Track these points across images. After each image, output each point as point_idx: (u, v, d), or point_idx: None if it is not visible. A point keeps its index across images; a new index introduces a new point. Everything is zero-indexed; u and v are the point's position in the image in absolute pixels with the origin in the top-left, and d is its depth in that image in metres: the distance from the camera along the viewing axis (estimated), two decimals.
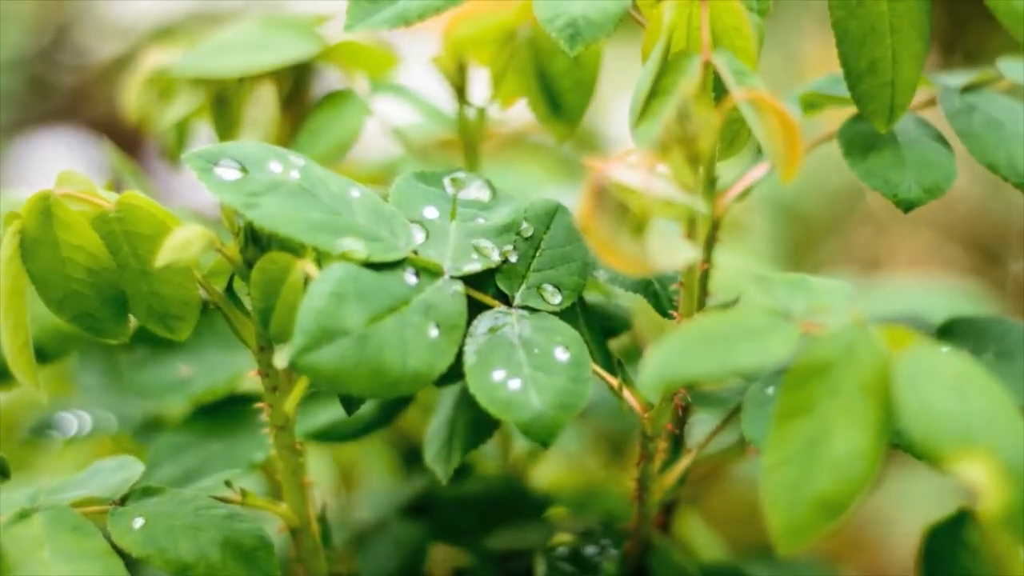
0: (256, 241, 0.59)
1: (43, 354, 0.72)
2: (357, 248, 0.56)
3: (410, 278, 0.57)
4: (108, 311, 0.60)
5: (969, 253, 1.45)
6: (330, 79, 0.87)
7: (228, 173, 0.57)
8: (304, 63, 0.85)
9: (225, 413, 0.73)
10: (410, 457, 0.85)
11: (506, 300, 0.61)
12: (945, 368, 0.51)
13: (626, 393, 0.62)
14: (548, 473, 0.88)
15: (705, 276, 0.65)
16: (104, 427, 0.86)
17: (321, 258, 0.56)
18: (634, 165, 0.50)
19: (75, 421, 0.87)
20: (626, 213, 0.50)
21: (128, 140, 1.31)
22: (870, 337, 0.51)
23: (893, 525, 1.23)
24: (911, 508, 1.19)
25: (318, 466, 0.87)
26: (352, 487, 0.89)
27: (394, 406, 0.70)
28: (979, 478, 0.48)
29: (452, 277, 0.59)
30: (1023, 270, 1.37)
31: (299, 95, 0.88)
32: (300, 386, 0.59)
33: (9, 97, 1.62)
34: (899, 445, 0.61)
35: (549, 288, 0.62)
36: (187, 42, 0.87)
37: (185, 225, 0.58)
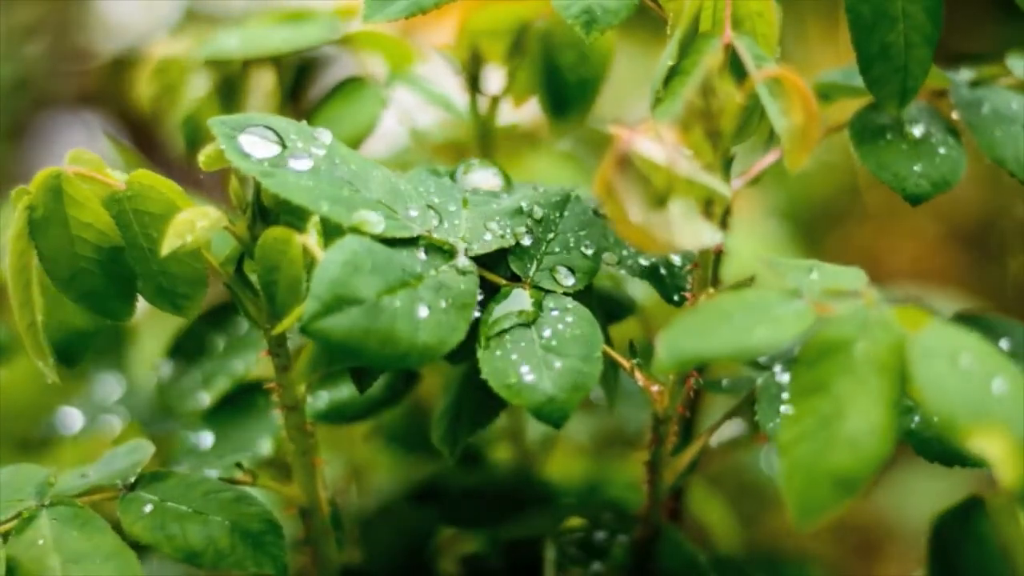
0: (264, 216, 0.58)
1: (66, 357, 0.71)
2: (373, 220, 0.56)
3: (424, 256, 0.57)
4: (116, 290, 0.60)
5: (968, 252, 1.45)
6: (334, 76, 0.87)
7: (250, 141, 0.57)
8: (308, 59, 0.85)
9: (241, 403, 0.73)
10: (419, 448, 0.84)
11: (519, 282, 0.61)
12: (959, 346, 0.51)
13: (637, 375, 0.62)
14: (559, 464, 0.87)
15: (717, 259, 0.65)
16: (108, 424, 0.85)
17: (331, 232, 0.56)
18: (659, 138, 0.50)
19: (80, 417, 0.87)
20: (647, 186, 0.50)
21: (131, 140, 1.31)
22: (884, 315, 0.51)
23: (896, 528, 1.23)
24: (915, 510, 1.19)
25: (329, 463, 0.86)
26: (362, 484, 0.88)
27: (401, 385, 0.70)
28: (994, 454, 0.48)
29: (466, 257, 0.59)
30: (1022, 267, 1.37)
31: (302, 91, 0.88)
32: (306, 353, 0.58)
33: (10, 98, 1.62)
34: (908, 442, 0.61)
35: (562, 270, 0.62)
36: (195, 36, 0.87)
37: (194, 205, 0.58)
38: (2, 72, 1.59)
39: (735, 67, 0.56)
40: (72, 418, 0.87)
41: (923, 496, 1.19)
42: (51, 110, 1.66)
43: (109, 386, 0.87)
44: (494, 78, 0.82)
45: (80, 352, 0.65)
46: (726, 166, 0.58)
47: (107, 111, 1.60)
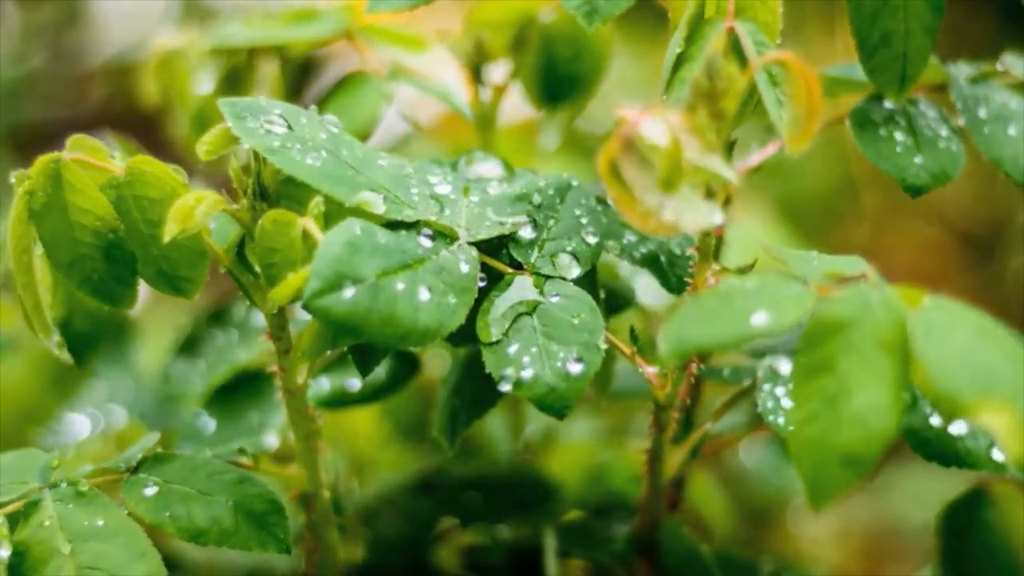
0: (265, 197, 0.59)
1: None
2: (375, 201, 0.56)
3: (425, 241, 0.57)
4: (117, 275, 0.60)
5: (965, 250, 1.46)
6: (336, 73, 0.87)
7: (259, 122, 0.57)
8: (312, 56, 0.85)
9: (245, 390, 0.73)
10: (422, 441, 0.84)
11: (520, 269, 0.61)
12: (961, 321, 0.51)
13: (638, 362, 0.62)
14: (560, 457, 0.87)
15: (718, 247, 0.65)
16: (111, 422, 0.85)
17: (332, 214, 0.56)
18: (664, 120, 0.50)
19: (87, 421, 0.86)
20: (651, 168, 0.50)
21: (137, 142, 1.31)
22: (886, 294, 0.52)
23: (897, 531, 1.23)
24: (916, 512, 1.19)
25: (332, 458, 0.86)
26: (364, 478, 0.88)
27: (403, 371, 0.71)
28: (999, 429, 0.48)
29: (467, 243, 0.59)
30: (1020, 267, 1.38)
31: (306, 87, 0.88)
32: (307, 335, 0.58)
33: (12, 101, 1.62)
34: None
35: (563, 257, 0.62)
36: (198, 30, 0.87)
37: (193, 190, 0.58)
38: (8, 77, 1.60)
39: (739, 52, 0.57)
40: (77, 422, 0.87)
41: (923, 498, 1.18)
42: (56, 115, 1.66)
43: (112, 384, 0.87)
44: (496, 71, 0.82)
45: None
46: (727, 150, 0.58)
47: (112, 115, 1.60)
